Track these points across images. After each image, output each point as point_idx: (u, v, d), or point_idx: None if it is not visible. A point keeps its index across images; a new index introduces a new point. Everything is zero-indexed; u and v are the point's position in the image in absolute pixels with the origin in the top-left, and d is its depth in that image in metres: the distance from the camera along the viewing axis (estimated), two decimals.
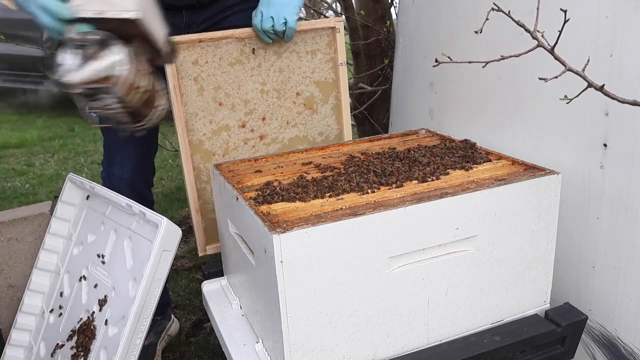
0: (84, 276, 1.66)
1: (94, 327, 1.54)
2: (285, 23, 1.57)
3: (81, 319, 1.59)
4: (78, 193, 1.80)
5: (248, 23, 1.65)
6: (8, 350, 1.77)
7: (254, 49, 1.64)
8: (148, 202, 1.88)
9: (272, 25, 1.57)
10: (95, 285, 1.60)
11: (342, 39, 1.70)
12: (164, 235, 1.42)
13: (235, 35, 1.62)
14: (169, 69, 1.57)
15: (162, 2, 1.65)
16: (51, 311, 1.74)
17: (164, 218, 1.43)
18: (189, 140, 1.64)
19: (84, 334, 1.54)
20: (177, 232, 1.45)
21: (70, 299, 1.68)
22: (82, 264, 1.68)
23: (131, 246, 1.55)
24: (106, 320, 1.50)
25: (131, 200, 1.54)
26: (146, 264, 1.41)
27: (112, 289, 1.54)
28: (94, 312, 1.56)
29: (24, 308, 1.78)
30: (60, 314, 1.69)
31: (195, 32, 1.72)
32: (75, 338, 1.57)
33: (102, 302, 1.55)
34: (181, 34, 1.73)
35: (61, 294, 1.73)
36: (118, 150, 1.76)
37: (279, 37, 1.62)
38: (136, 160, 1.78)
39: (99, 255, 1.63)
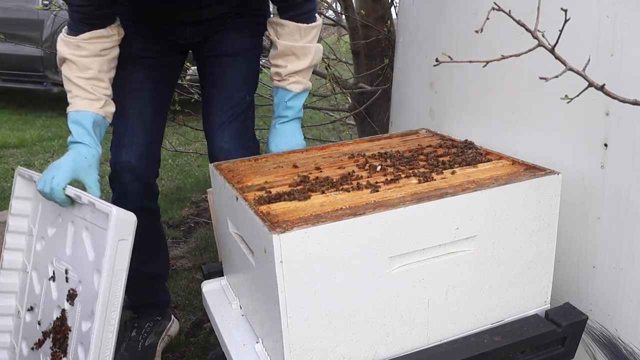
0: (51, 271, 1.58)
1: (68, 324, 1.48)
2: None
3: (55, 315, 1.53)
4: (30, 187, 1.69)
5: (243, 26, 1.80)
6: None
7: None
8: (153, 192, 1.87)
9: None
10: (63, 280, 1.52)
11: None
12: (117, 225, 1.33)
13: None
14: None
15: (162, 19, 1.71)
16: (27, 310, 1.67)
17: (114, 206, 1.35)
18: None
19: (60, 330, 1.49)
20: (130, 219, 1.36)
21: (42, 296, 1.61)
22: (47, 259, 1.60)
23: (90, 237, 1.47)
24: (78, 316, 1.44)
25: (79, 190, 1.46)
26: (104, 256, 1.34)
27: (79, 283, 1.47)
28: (65, 308, 1.50)
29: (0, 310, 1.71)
30: (34, 311, 1.63)
31: (198, 42, 1.80)
32: (52, 335, 1.52)
33: (71, 297, 1.48)
34: (186, 44, 1.81)
35: (32, 292, 1.66)
36: (127, 134, 1.74)
37: None
38: (145, 146, 1.75)
39: (61, 249, 1.54)
